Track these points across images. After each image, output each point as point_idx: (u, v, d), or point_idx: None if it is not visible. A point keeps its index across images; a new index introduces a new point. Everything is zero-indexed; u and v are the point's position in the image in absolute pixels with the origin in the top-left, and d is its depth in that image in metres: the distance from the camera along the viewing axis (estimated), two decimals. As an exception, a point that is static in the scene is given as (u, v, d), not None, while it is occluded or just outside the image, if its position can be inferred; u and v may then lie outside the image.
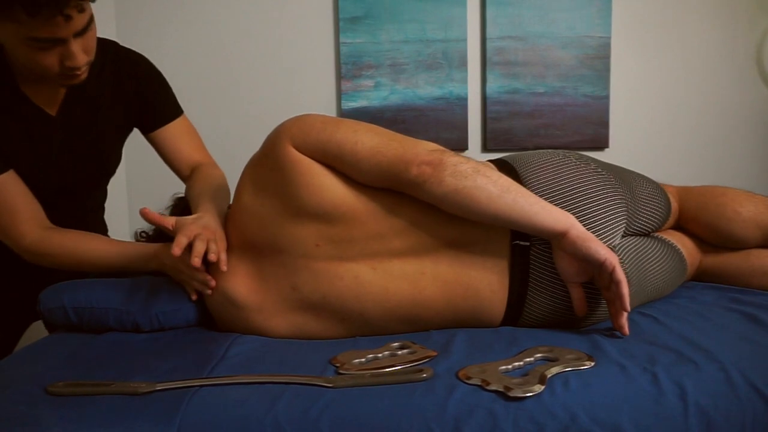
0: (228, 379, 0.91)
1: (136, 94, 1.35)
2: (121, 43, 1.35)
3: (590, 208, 1.12)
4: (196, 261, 1.03)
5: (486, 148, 2.44)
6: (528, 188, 1.11)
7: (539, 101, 2.43)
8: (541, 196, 1.10)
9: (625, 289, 1.01)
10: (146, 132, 1.41)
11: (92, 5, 1.10)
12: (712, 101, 2.52)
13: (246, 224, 1.13)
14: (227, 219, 1.19)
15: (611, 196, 1.15)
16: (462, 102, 2.41)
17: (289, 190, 1.08)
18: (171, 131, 1.40)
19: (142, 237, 1.35)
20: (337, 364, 0.95)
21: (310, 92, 2.40)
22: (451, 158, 1.05)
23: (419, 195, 1.06)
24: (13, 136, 1.21)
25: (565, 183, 1.13)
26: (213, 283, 1.12)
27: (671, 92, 2.51)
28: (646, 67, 2.49)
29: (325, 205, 1.07)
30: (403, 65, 2.39)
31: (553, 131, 2.44)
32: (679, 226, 1.40)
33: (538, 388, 0.84)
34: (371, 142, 1.08)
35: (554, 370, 0.89)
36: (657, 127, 2.52)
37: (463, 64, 2.39)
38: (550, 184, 1.13)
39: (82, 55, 1.10)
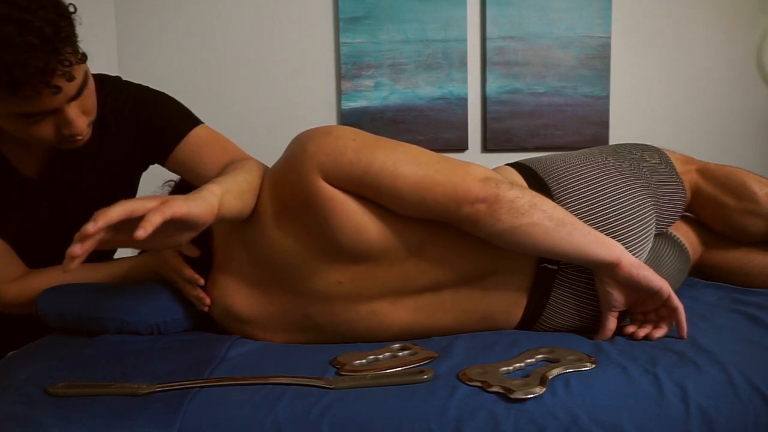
0: (228, 380, 0.91)
1: (138, 128, 1.19)
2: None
3: (625, 224, 1.10)
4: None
5: (486, 148, 2.44)
6: (560, 205, 1.07)
7: (539, 101, 2.43)
8: (574, 213, 1.06)
9: (683, 316, 1.00)
10: (163, 162, 1.21)
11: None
12: (712, 101, 2.52)
13: (264, 251, 1.05)
14: (236, 233, 1.09)
15: (644, 212, 1.13)
16: (462, 102, 2.41)
17: (323, 230, 1.00)
18: (185, 148, 1.18)
19: None
20: (338, 366, 0.95)
21: (310, 92, 2.40)
22: (507, 193, 0.97)
23: (469, 230, 1.01)
24: None
25: (597, 198, 1.10)
26: (208, 300, 1.09)
27: (671, 92, 2.51)
28: (646, 67, 2.49)
29: (360, 247, 1.01)
30: (403, 65, 2.38)
31: (553, 131, 2.44)
32: (687, 211, 1.37)
33: (540, 390, 0.84)
34: (414, 177, 0.97)
35: (555, 371, 0.89)
36: (657, 127, 2.52)
37: (463, 64, 2.39)
38: (582, 200, 1.09)
39: (81, 119, 0.98)
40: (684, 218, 1.39)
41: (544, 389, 0.84)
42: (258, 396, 0.86)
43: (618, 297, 1.02)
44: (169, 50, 2.34)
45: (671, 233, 1.31)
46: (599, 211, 1.09)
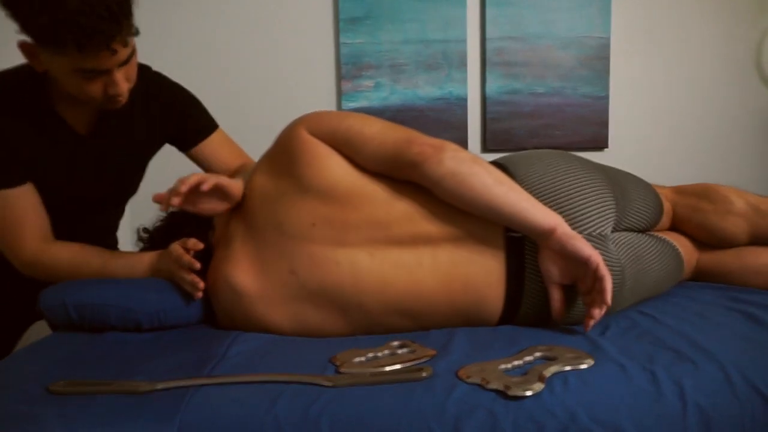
0: (228, 378, 0.91)
1: (169, 115, 1.38)
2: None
3: (579, 197, 1.14)
4: (182, 188, 1.10)
5: (486, 148, 2.44)
6: (520, 184, 1.14)
7: (539, 101, 2.43)
8: (532, 192, 1.13)
9: (609, 285, 1.02)
10: (185, 149, 1.45)
11: None
12: (712, 101, 2.52)
13: (251, 202, 1.18)
14: (237, 213, 1.21)
15: (599, 189, 1.17)
16: (462, 102, 2.41)
17: (295, 168, 1.15)
18: (211, 145, 1.45)
19: (144, 233, 1.36)
20: (337, 363, 0.95)
21: (310, 92, 2.41)
22: (452, 145, 1.13)
23: (417, 176, 1.11)
24: (40, 151, 1.24)
25: (554, 178, 1.16)
26: (201, 285, 1.14)
27: (671, 92, 2.51)
28: (646, 67, 2.49)
29: (324, 183, 1.13)
30: (403, 65, 2.39)
31: (553, 131, 2.44)
32: (674, 228, 1.41)
33: (538, 387, 0.84)
34: (377, 126, 1.16)
35: (553, 369, 0.90)
36: (656, 127, 2.52)
37: (462, 64, 2.40)
38: (540, 179, 1.16)
39: (124, 83, 1.17)
40: (675, 229, 1.41)
41: (542, 387, 0.85)
42: (257, 394, 0.87)
43: (553, 269, 1.07)
44: (168, 50, 2.34)
45: (661, 236, 1.32)
46: (551, 185, 1.15)
